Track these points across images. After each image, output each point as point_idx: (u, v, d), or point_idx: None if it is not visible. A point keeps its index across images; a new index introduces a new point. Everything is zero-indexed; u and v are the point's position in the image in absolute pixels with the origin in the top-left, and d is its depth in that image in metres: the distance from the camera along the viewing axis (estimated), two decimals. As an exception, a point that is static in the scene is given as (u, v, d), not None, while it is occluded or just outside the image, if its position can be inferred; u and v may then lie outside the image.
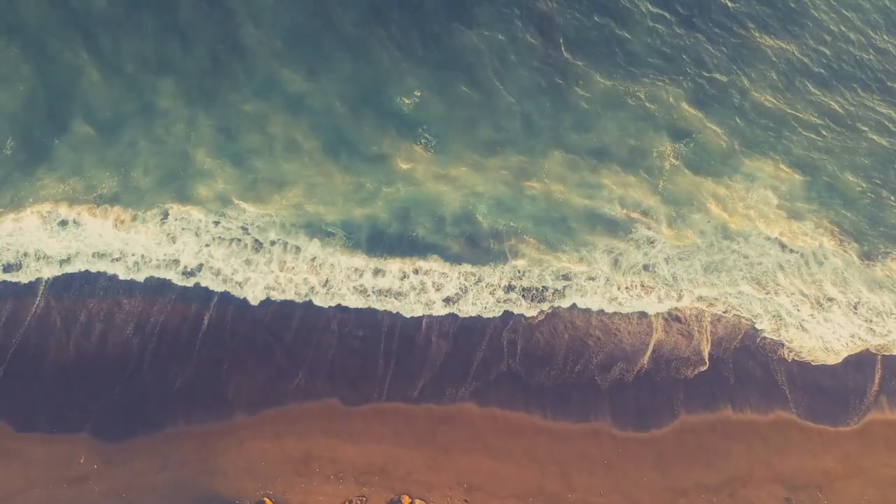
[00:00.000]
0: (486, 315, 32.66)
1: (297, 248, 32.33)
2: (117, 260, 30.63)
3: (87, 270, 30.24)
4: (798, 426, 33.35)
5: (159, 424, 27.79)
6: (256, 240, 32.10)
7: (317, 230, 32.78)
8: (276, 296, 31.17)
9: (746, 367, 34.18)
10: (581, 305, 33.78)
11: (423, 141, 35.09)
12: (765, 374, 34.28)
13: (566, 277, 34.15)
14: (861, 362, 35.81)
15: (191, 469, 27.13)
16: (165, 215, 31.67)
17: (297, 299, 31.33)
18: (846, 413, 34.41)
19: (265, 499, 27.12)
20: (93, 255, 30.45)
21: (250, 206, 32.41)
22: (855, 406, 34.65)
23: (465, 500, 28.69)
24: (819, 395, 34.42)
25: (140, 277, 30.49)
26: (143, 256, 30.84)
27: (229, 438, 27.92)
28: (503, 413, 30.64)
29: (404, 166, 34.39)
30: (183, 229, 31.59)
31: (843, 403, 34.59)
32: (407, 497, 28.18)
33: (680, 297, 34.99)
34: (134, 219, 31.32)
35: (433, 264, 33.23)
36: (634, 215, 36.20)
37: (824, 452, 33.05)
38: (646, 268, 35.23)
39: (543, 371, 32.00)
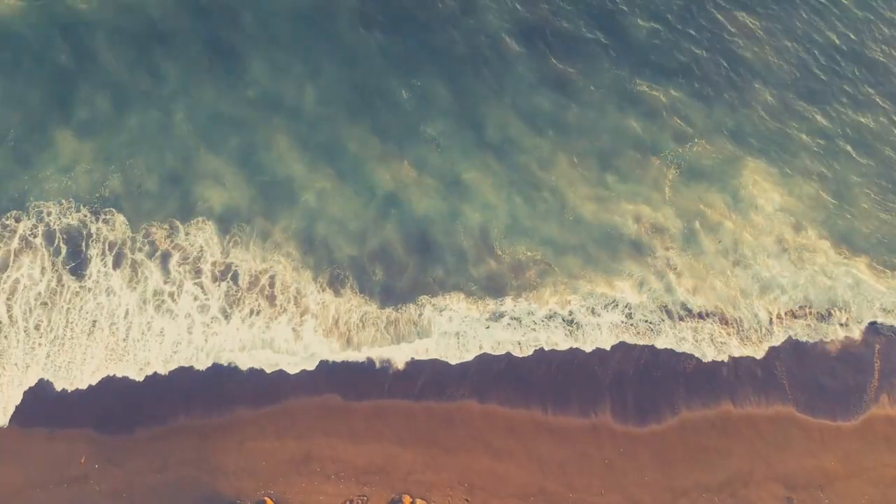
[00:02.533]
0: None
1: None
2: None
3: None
4: (799, 424, 33.39)
5: (160, 422, 27.73)
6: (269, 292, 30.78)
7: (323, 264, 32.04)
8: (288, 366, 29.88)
9: (746, 364, 34.28)
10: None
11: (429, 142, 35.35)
12: (765, 371, 34.37)
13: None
14: (860, 359, 35.96)
15: (191, 468, 27.01)
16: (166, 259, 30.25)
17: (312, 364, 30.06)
18: (846, 410, 34.49)
19: (266, 498, 27.02)
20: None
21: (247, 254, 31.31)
22: (855, 403, 34.74)
23: (466, 500, 28.61)
24: (819, 392, 34.50)
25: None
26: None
27: (229, 438, 27.83)
28: (503, 410, 30.60)
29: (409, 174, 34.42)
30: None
31: (843, 400, 34.69)
32: (408, 497, 28.08)
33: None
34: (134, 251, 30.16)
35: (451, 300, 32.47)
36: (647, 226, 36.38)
37: (825, 451, 33.07)
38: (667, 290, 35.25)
39: (543, 365, 32.05)
